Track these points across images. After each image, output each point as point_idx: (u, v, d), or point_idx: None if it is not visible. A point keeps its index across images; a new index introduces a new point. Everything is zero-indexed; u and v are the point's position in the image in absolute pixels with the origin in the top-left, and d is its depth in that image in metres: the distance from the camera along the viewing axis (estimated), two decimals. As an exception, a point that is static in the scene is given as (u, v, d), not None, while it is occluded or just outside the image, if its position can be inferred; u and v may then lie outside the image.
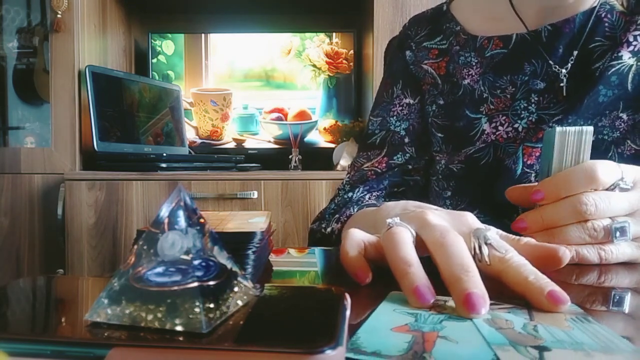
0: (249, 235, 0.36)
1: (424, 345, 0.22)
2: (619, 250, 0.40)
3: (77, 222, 1.49)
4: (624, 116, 0.56)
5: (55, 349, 0.19)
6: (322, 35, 1.89)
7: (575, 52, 0.58)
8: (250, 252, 0.36)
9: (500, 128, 0.61)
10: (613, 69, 0.55)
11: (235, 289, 0.24)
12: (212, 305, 0.21)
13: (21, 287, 0.28)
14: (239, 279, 0.24)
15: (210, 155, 1.78)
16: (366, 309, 0.27)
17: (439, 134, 0.67)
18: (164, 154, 1.56)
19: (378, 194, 0.67)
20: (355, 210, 0.59)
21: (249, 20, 2.01)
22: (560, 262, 0.34)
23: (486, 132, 0.62)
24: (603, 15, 0.58)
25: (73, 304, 0.27)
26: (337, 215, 0.61)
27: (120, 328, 0.21)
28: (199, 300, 0.21)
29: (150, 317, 0.21)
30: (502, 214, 0.55)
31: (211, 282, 0.22)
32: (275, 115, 1.91)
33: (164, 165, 1.53)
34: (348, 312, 0.24)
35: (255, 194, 1.52)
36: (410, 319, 0.26)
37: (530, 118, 0.59)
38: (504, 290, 0.29)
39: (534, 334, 0.24)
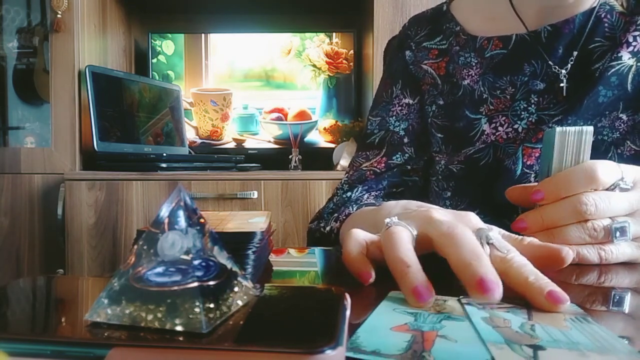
0: (249, 235, 0.36)
1: (423, 345, 0.22)
2: (619, 250, 0.40)
3: (77, 222, 1.49)
4: (624, 117, 0.56)
5: (55, 349, 0.19)
6: (322, 35, 1.89)
7: (575, 53, 0.58)
8: (250, 252, 0.36)
9: (500, 129, 0.61)
10: (613, 70, 0.55)
11: (235, 289, 0.24)
12: (212, 305, 0.21)
13: (21, 287, 0.28)
14: (239, 279, 0.24)
15: (210, 155, 1.78)
16: (366, 309, 0.27)
17: (439, 135, 0.67)
18: (164, 154, 1.56)
19: (376, 193, 0.67)
20: (354, 209, 0.59)
21: (249, 20, 2.01)
22: (563, 262, 0.34)
23: (486, 133, 0.62)
24: (603, 15, 0.58)
25: (73, 304, 0.27)
26: (335, 215, 0.61)
27: (120, 328, 0.21)
28: (199, 300, 0.21)
29: (150, 317, 0.21)
30: (502, 215, 0.55)
31: (211, 282, 0.22)
32: (275, 115, 1.91)
33: (164, 165, 1.53)
34: (348, 312, 0.24)
35: (255, 194, 1.52)
36: (409, 319, 0.26)
37: (530, 119, 0.59)
38: (505, 290, 0.29)
39: (530, 333, 0.24)
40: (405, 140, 0.69)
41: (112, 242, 1.50)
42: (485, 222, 0.37)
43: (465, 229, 0.31)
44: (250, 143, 1.91)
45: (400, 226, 0.35)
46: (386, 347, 0.22)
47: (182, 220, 0.23)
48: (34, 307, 0.26)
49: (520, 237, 0.36)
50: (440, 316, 0.26)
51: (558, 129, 0.41)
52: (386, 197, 0.68)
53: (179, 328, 0.20)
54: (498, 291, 0.26)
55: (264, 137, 1.91)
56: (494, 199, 0.58)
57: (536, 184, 0.42)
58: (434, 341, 0.23)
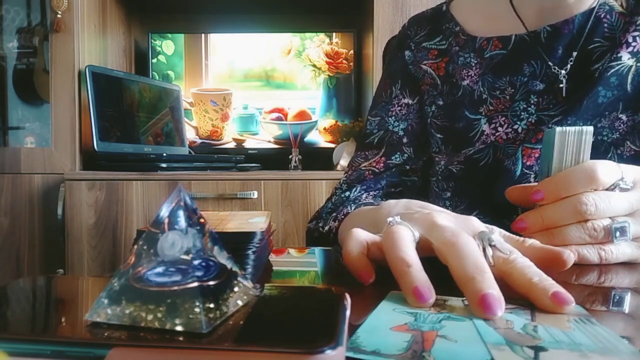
0: (249, 235, 0.36)
1: (423, 345, 0.22)
2: (619, 250, 0.40)
3: (77, 222, 1.49)
4: (624, 117, 0.56)
5: (55, 349, 0.19)
6: (322, 35, 1.89)
7: (575, 53, 0.58)
8: (250, 252, 0.36)
9: (499, 129, 0.61)
10: (612, 70, 0.55)
11: (235, 289, 0.24)
12: (212, 305, 0.21)
13: (21, 287, 0.28)
14: (239, 279, 0.24)
15: (210, 155, 1.78)
16: (366, 309, 0.27)
17: (438, 135, 0.67)
18: (164, 154, 1.56)
19: (375, 193, 0.67)
20: (353, 208, 0.59)
21: (249, 20, 2.01)
22: (565, 264, 0.34)
23: (485, 133, 0.62)
24: (602, 16, 0.58)
25: (73, 304, 0.27)
26: (334, 214, 0.61)
27: (120, 328, 0.21)
28: (199, 300, 0.21)
29: (150, 317, 0.21)
30: (502, 215, 0.55)
31: (211, 282, 0.22)
32: (275, 115, 1.91)
33: (164, 165, 1.53)
34: (348, 312, 0.24)
35: (255, 194, 1.52)
36: (409, 319, 0.26)
37: (529, 119, 0.59)
38: (508, 291, 0.29)
39: (532, 334, 0.24)
40: (405, 140, 0.69)
41: (112, 242, 1.50)
42: (485, 222, 0.37)
43: (468, 238, 0.31)
44: (250, 143, 1.91)
45: (402, 226, 0.35)
46: (386, 347, 0.22)
47: (182, 220, 0.23)
48: (34, 307, 0.26)
49: (522, 238, 0.36)
50: (440, 316, 0.26)
51: (558, 129, 0.41)
52: (385, 197, 0.68)
53: (179, 328, 0.20)
54: (500, 309, 0.26)
55: (264, 137, 1.91)
56: (493, 200, 0.58)
57: (536, 184, 0.42)
58: (434, 341, 0.23)
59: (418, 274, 0.29)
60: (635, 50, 0.55)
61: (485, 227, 0.36)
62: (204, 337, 0.20)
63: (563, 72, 0.58)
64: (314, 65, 1.89)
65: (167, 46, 1.90)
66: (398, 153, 0.69)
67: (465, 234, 0.32)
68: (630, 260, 0.40)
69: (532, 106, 0.59)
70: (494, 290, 0.27)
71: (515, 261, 0.31)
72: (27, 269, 1.57)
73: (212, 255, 0.24)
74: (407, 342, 0.23)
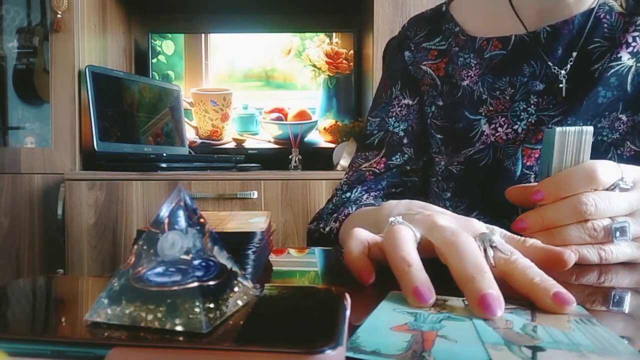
0: (249, 235, 0.36)
1: (423, 345, 0.22)
2: (619, 250, 0.40)
3: (77, 222, 1.49)
4: (624, 117, 0.56)
5: (55, 349, 0.19)
6: (322, 35, 1.89)
7: (575, 54, 0.58)
8: (250, 252, 0.36)
9: (499, 129, 0.61)
10: (612, 70, 0.55)
11: (235, 289, 0.24)
12: (212, 305, 0.21)
13: (21, 287, 0.28)
14: (239, 279, 0.24)
15: (210, 155, 1.78)
16: (366, 309, 0.27)
17: (438, 135, 0.67)
18: (164, 154, 1.56)
19: (376, 194, 0.67)
20: (353, 209, 0.59)
21: (249, 20, 2.01)
22: (565, 265, 0.34)
23: (485, 134, 0.62)
24: (602, 16, 0.58)
25: (73, 304, 0.27)
26: (335, 215, 0.61)
27: (120, 328, 0.21)
28: (199, 300, 0.21)
29: (150, 317, 0.21)
30: (502, 215, 0.55)
31: (211, 282, 0.22)
32: (275, 115, 1.91)
33: (164, 165, 1.53)
34: (348, 312, 0.24)
35: (255, 194, 1.52)
36: (409, 318, 0.26)
37: (529, 119, 0.59)
38: (509, 291, 0.29)
39: (531, 334, 0.24)
40: (405, 140, 0.69)
41: (112, 242, 1.50)
42: (486, 222, 0.37)
43: (468, 238, 0.31)
44: (250, 143, 1.91)
45: (403, 226, 0.35)
46: (386, 347, 0.22)
47: (182, 220, 0.23)
48: (34, 307, 0.26)
49: (523, 238, 0.36)
50: (440, 316, 0.26)
51: (558, 129, 0.41)
52: (385, 198, 0.68)
53: (179, 328, 0.20)
54: (500, 309, 0.26)
55: (264, 137, 1.91)
56: (493, 200, 0.58)
57: (536, 184, 0.42)
58: (434, 341, 0.23)
59: (418, 273, 0.29)
60: (635, 50, 0.55)
61: (487, 228, 0.36)
62: (204, 337, 0.20)
63: (563, 72, 0.58)
64: (314, 65, 1.89)
65: (167, 46, 1.90)
66: (398, 154, 0.69)
67: (465, 233, 0.32)
68: (630, 260, 0.40)
69: (532, 106, 0.59)
70: (493, 290, 0.27)
71: (517, 262, 0.31)
72: (27, 269, 1.57)
73: (212, 255, 0.24)
74: (407, 342, 0.23)
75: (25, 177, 1.57)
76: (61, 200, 1.50)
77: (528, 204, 0.43)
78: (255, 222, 0.41)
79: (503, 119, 0.61)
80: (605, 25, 0.57)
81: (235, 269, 0.24)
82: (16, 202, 1.57)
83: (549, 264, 0.33)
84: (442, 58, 0.68)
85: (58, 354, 0.19)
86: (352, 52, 1.89)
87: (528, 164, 0.57)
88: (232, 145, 1.90)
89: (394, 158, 0.69)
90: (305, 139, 1.90)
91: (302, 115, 1.91)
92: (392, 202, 0.46)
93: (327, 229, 0.61)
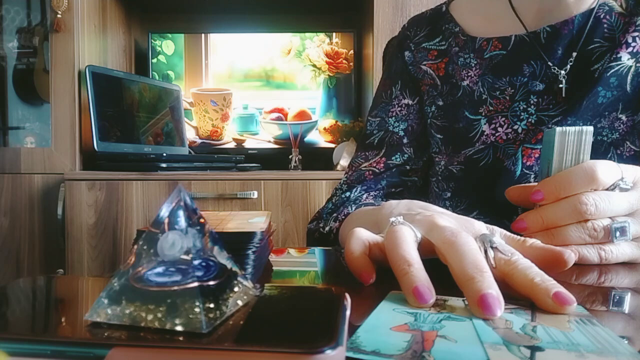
0: (249, 235, 0.36)
1: (423, 345, 0.22)
2: (619, 250, 0.40)
3: (77, 222, 1.49)
4: (623, 117, 0.56)
5: (55, 349, 0.19)
6: (322, 35, 1.89)
7: (574, 54, 0.58)
8: (250, 252, 0.36)
9: (499, 129, 0.61)
10: (612, 70, 0.55)
11: (235, 289, 0.24)
12: (212, 305, 0.21)
13: (21, 287, 0.28)
14: (239, 279, 0.24)
15: (210, 155, 1.78)
16: (366, 309, 0.27)
17: (438, 135, 0.67)
18: (164, 154, 1.56)
19: (375, 193, 0.67)
20: (353, 209, 0.59)
21: (249, 20, 2.01)
22: (565, 264, 0.34)
23: (485, 134, 0.62)
24: (602, 16, 0.58)
25: (73, 304, 0.27)
26: (335, 214, 0.61)
27: (120, 328, 0.21)
28: (199, 300, 0.21)
29: (150, 317, 0.21)
30: (502, 215, 0.55)
31: (211, 282, 0.22)
32: (275, 115, 1.91)
33: (164, 165, 1.53)
34: (348, 312, 0.24)
35: (255, 194, 1.52)
36: (409, 318, 0.26)
37: (529, 119, 0.59)
38: (509, 292, 0.29)
39: (531, 334, 0.24)
40: (405, 140, 0.69)
41: (112, 242, 1.50)
42: (486, 222, 0.37)
43: (468, 238, 0.31)
44: (250, 143, 1.91)
45: (404, 226, 0.35)
46: (386, 347, 0.22)
47: (182, 220, 0.23)
48: (34, 307, 0.26)
49: (523, 238, 0.36)
50: (440, 316, 0.26)
51: (558, 129, 0.41)
52: (385, 197, 0.68)
53: (179, 328, 0.20)
54: (499, 309, 0.26)
55: (264, 137, 1.91)
56: (493, 200, 0.58)
57: (536, 184, 0.42)
58: (433, 341, 0.23)
59: (419, 273, 0.29)
60: (634, 50, 0.55)
61: (487, 229, 0.36)
62: (204, 337, 0.20)
63: (563, 72, 0.58)
64: (314, 65, 1.89)
65: (167, 46, 1.90)
66: (398, 153, 0.69)
67: (465, 233, 0.32)
68: (630, 260, 0.40)
69: (532, 106, 0.59)
70: (493, 290, 0.27)
71: (517, 263, 0.31)
72: (27, 269, 1.57)
73: (212, 255, 0.24)
74: (407, 342, 0.23)
75: (25, 177, 1.57)
76: (61, 200, 1.50)
77: (528, 204, 0.43)
78: (255, 222, 0.41)
79: (503, 119, 0.61)
80: (605, 25, 0.57)
81: (235, 269, 0.24)
82: (16, 202, 1.57)
83: (549, 264, 0.33)
84: (442, 58, 0.68)
85: (58, 354, 0.19)
86: (352, 52, 1.89)
87: (528, 163, 0.57)
88: (232, 145, 1.90)
89: (393, 158, 0.69)
90: (305, 139, 1.90)
91: (302, 115, 1.91)
92: (393, 202, 0.46)
93: (327, 228, 0.61)
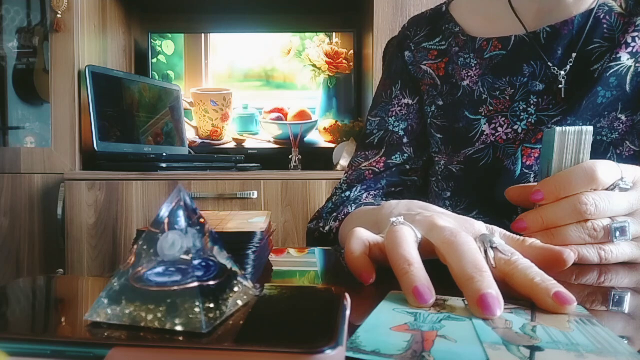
0: (249, 235, 0.36)
1: (423, 345, 0.22)
2: (619, 250, 0.40)
3: (77, 222, 1.49)
4: (623, 117, 0.56)
5: (55, 349, 0.19)
6: (322, 35, 1.89)
7: (574, 54, 0.58)
8: (250, 252, 0.36)
9: (499, 129, 0.61)
10: (612, 71, 0.55)
11: (235, 289, 0.24)
12: (212, 305, 0.21)
13: (21, 287, 0.28)
14: (239, 279, 0.24)
15: (210, 155, 1.78)
16: (366, 309, 0.27)
17: (438, 135, 0.67)
18: (164, 154, 1.56)
19: (375, 193, 0.67)
20: (353, 208, 0.59)
21: (249, 20, 2.01)
22: (565, 264, 0.34)
23: (485, 134, 0.62)
24: (602, 16, 0.58)
25: (73, 304, 0.27)
26: (334, 214, 0.61)
27: (120, 328, 0.21)
28: (199, 300, 0.21)
29: (150, 317, 0.21)
30: (502, 215, 0.55)
31: (211, 282, 0.22)
32: (275, 115, 1.91)
33: (164, 165, 1.53)
34: (348, 312, 0.24)
35: (255, 194, 1.52)
36: (409, 318, 0.26)
37: (529, 119, 0.59)
38: (510, 292, 0.29)
39: (530, 334, 0.24)
40: (405, 140, 0.69)
41: (112, 242, 1.50)
42: (486, 222, 0.37)
43: (467, 238, 0.31)
44: (250, 143, 1.91)
45: (405, 226, 0.35)
46: (386, 347, 0.22)
47: (182, 220, 0.23)
48: (34, 307, 0.26)
49: (523, 238, 0.36)
50: (440, 316, 0.26)
51: (558, 128, 0.41)
52: (385, 197, 0.68)
53: (179, 328, 0.20)
54: (499, 308, 0.26)
55: (264, 137, 1.91)
56: (493, 200, 0.58)
57: (536, 184, 0.42)
58: (433, 341, 0.23)
59: (419, 273, 0.29)
60: (634, 51, 0.55)
61: (486, 229, 0.36)
62: (204, 337, 0.20)
63: (562, 73, 0.58)
64: (314, 65, 1.89)
65: (167, 46, 1.90)
66: (398, 153, 0.69)
67: (465, 233, 0.32)
68: (630, 260, 0.40)
69: (532, 107, 0.59)
70: (492, 290, 0.27)
71: (517, 262, 0.31)
72: (27, 269, 1.57)
73: (212, 255, 0.24)
74: (407, 342, 0.23)
75: (25, 177, 1.57)
76: (61, 200, 1.50)
77: (528, 204, 0.43)
78: (255, 222, 0.41)
79: (503, 119, 0.61)
80: (605, 25, 0.57)
81: (235, 269, 0.24)
82: (16, 202, 1.57)
83: (548, 264, 0.33)
84: (442, 58, 0.68)
85: (58, 354, 0.19)
86: (352, 52, 1.89)
87: (528, 163, 0.57)
88: (232, 145, 1.90)
89: (393, 157, 0.69)
90: (305, 139, 1.90)
91: (302, 115, 1.91)
92: (392, 202, 0.46)
93: (327, 228, 0.61)
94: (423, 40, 0.70)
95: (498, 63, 0.62)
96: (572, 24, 0.58)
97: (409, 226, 0.35)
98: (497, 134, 0.61)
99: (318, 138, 1.92)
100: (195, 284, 0.21)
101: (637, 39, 0.56)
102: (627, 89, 0.55)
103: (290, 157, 1.80)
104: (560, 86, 0.58)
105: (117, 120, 1.64)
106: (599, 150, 0.55)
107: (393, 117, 0.70)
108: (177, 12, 2.02)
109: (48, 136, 1.65)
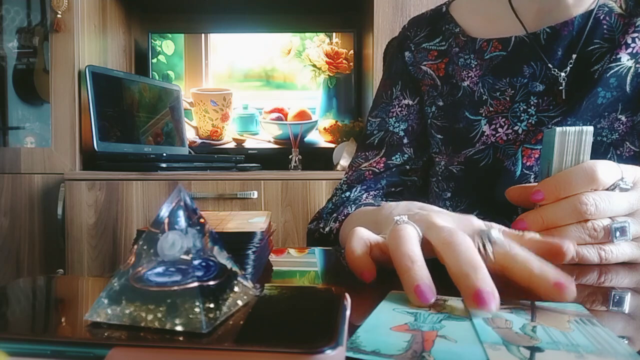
0: (249, 235, 0.36)
1: (423, 345, 0.22)
2: (619, 250, 0.40)
3: (77, 222, 1.49)
4: (623, 118, 0.56)
5: (55, 349, 0.19)
6: (322, 35, 1.89)
7: (574, 55, 0.58)
8: (250, 252, 0.36)
9: (500, 130, 0.61)
10: (612, 71, 0.55)
11: (235, 289, 0.24)
12: (212, 305, 0.21)
13: (21, 287, 0.28)
14: (239, 279, 0.24)
15: (210, 155, 1.78)
16: (366, 309, 0.27)
17: (439, 136, 0.67)
18: (164, 154, 1.56)
19: (375, 193, 0.67)
20: (353, 209, 0.59)
21: (249, 20, 2.01)
22: (564, 256, 0.34)
23: (486, 134, 0.62)
24: (602, 17, 0.58)
25: (73, 304, 0.27)
26: (335, 215, 0.61)
27: (120, 328, 0.21)
28: (199, 300, 0.21)
29: (150, 317, 0.21)
30: (502, 215, 0.55)
31: (211, 282, 0.22)
32: (275, 115, 1.91)
33: (164, 165, 1.53)
34: (348, 312, 0.24)
35: (255, 194, 1.52)
36: (409, 318, 0.26)
37: (529, 120, 0.59)
38: (510, 287, 0.29)
39: (530, 334, 0.24)
40: (405, 140, 0.69)
41: (112, 242, 1.50)
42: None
43: (464, 237, 0.31)
44: (250, 143, 1.91)
45: (409, 225, 0.35)
46: (386, 347, 0.22)
47: (182, 220, 0.23)
48: (34, 307, 0.26)
49: (521, 232, 0.36)
50: (440, 316, 0.26)
51: (558, 129, 0.41)
52: (385, 197, 0.68)
53: (179, 328, 0.20)
54: (494, 303, 0.26)
55: (264, 137, 1.91)
56: (493, 200, 0.58)
57: (536, 184, 0.42)
58: (433, 341, 0.23)
59: (421, 271, 0.29)
60: (634, 51, 0.55)
61: (485, 225, 0.36)
62: (204, 337, 0.20)
63: (563, 73, 0.58)
64: (314, 65, 1.89)
65: (167, 46, 1.90)
66: (398, 153, 0.69)
67: (461, 232, 0.32)
68: (630, 260, 0.40)
69: (532, 107, 0.59)
70: (487, 286, 0.27)
71: (516, 255, 0.31)
72: (27, 269, 1.57)
73: (212, 255, 0.24)
74: (407, 342, 0.23)
75: (25, 177, 1.57)
76: (61, 200, 1.50)
77: (528, 204, 0.43)
78: (255, 222, 0.41)
79: (503, 119, 0.61)
80: (605, 26, 0.57)
81: (235, 269, 0.24)
82: (16, 202, 1.57)
83: (547, 256, 0.33)
84: (442, 58, 0.68)
85: (58, 354, 0.19)
86: (352, 52, 1.89)
87: (528, 164, 0.57)
88: (232, 145, 1.90)
89: (393, 158, 0.69)
90: (305, 139, 1.90)
91: (302, 115, 1.91)
92: (392, 203, 0.46)
93: (327, 229, 0.61)
94: (423, 41, 0.70)
95: (498, 64, 0.62)
96: (572, 25, 0.58)
97: (413, 225, 0.35)
98: (497, 135, 0.61)
99: (318, 138, 1.92)
100: (195, 284, 0.21)
101: (637, 39, 0.56)
102: (627, 89, 0.55)
103: (290, 157, 1.80)
104: (560, 87, 0.58)
105: (117, 120, 1.64)
106: (599, 151, 0.55)
107: (393, 118, 0.70)
108: (177, 12, 2.02)
109: (48, 136, 1.65)
